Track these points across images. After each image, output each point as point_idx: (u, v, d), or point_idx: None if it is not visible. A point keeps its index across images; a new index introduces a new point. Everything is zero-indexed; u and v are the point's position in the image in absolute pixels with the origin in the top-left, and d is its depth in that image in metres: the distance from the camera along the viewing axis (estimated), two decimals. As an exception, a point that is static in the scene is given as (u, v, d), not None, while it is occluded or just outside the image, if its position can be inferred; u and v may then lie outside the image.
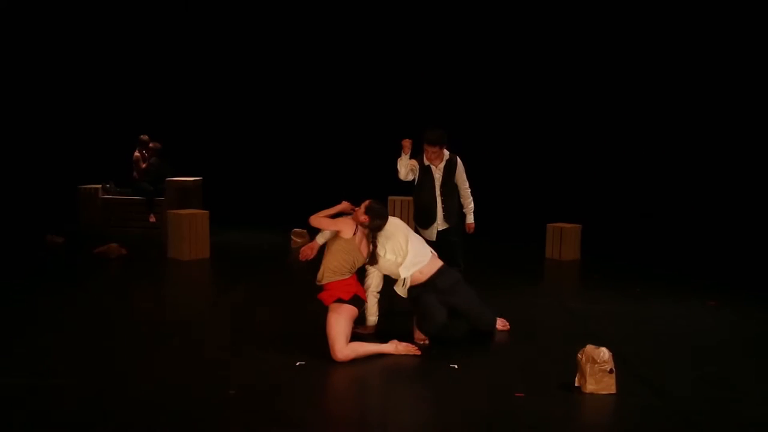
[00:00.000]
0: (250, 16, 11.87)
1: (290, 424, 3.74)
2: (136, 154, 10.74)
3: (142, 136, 10.74)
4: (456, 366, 4.53)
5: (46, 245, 8.88)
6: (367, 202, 4.98)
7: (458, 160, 5.86)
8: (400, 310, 5.49)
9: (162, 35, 11.94)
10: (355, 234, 4.88)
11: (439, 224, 5.88)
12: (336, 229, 4.89)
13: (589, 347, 4.13)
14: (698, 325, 5.73)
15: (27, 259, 8.14)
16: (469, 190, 5.95)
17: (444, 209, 5.83)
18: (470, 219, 6.04)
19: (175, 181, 10.36)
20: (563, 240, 8.68)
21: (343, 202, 5.13)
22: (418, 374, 4.47)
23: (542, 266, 8.45)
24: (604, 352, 4.07)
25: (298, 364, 4.50)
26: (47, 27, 11.61)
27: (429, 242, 5.74)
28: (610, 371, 4.05)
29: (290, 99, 12.13)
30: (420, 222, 5.91)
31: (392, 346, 4.75)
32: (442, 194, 5.83)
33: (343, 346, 4.52)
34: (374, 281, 5.13)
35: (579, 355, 4.13)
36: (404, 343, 4.78)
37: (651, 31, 10.48)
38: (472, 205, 6.00)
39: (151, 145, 10.62)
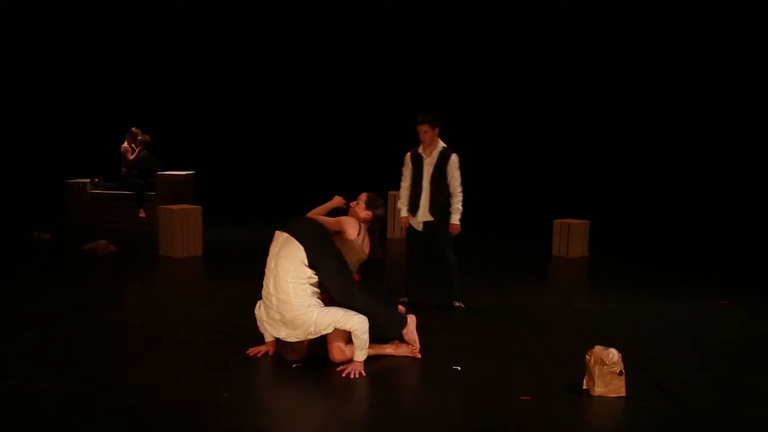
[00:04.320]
0: (243, 9, 11.83)
1: (288, 426, 3.74)
2: (124, 145, 10.73)
3: (132, 128, 10.73)
4: (459, 368, 4.52)
5: (32, 242, 8.87)
6: (365, 197, 4.99)
7: (453, 155, 5.88)
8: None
9: (152, 27, 11.90)
10: (359, 234, 4.88)
11: (422, 215, 5.93)
12: (339, 230, 4.88)
13: (598, 348, 4.12)
14: (710, 325, 5.73)
15: (12, 257, 8.13)
16: (460, 189, 5.89)
17: (429, 200, 5.88)
18: (454, 219, 5.90)
19: (167, 175, 10.35)
20: (570, 236, 8.67)
21: (336, 197, 5.13)
22: (420, 376, 4.47)
23: (549, 264, 8.46)
24: (613, 354, 4.06)
25: (294, 365, 4.50)
26: (34, 20, 11.58)
27: (416, 232, 6.00)
28: (620, 373, 4.04)
29: (286, 91, 12.10)
30: (410, 212, 6.05)
31: (393, 347, 4.75)
32: (430, 185, 5.88)
33: (342, 347, 4.51)
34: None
35: (587, 357, 4.12)
36: (405, 345, 4.78)
37: (658, 29, 10.51)
38: (459, 205, 5.89)
39: (140, 138, 10.62)
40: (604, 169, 11.10)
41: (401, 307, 5.00)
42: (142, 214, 10.35)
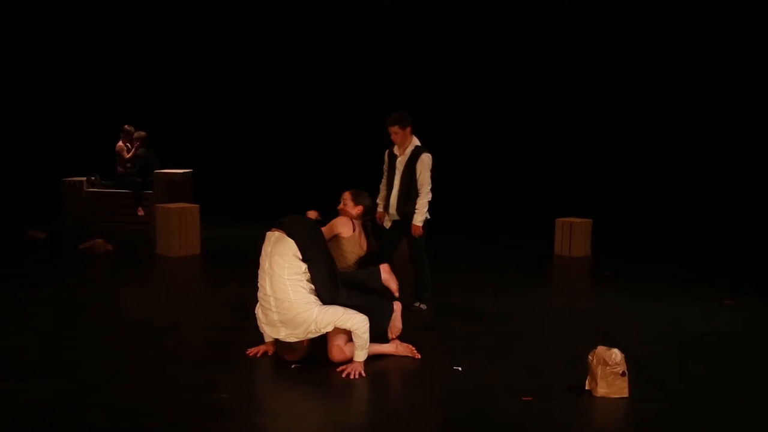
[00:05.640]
0: (240, 7, 11.83)
1: (287, 427, 3.74)
2: (120, 144, 10.73)
3: (126, 126, 10.73)
4: (460, 368, 4.52)
5: (28, 241, 8.87)
6: (348, 195, 5.11)
7: (425, 154, 5.90)
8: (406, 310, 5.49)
9: (148, 23, 11.89)
10: (354, 230, 5.01)
11: (391, 213, 5.99)
12: (336, 233, 4.98)
13: (600, 348, 4.12)
14: (715, 325, 5.73)
15: (7, 256, 8.12)
16: (427, 189, 5.83)
17: (398, 199, 5.91)
18: (416, 220, 5.80)
19: (164, 173, 10.34)
20: (573, 235, 8.67)
21: (309, 211, 5.20)
22: (420, 377, 4.46)
23: (551, 263, 8.45)
24: (616, 354, 4.06)
25: (293, 366, 4.50)
26: (30, 19, 11.57)
27: (386, 230, 6.03)
28: (623, 374, 4.04)
29: (284, 89, 12.09)
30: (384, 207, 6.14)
31: (393, 347, 4.76)
32: (400, 184, 5.93)
33: (343, 346, 4.51)
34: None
35: (589, 357, 4.12)
36: (405, 344, 4.78)
37: (659, 29, 10.53)
38: (423, 207, 5.83)
39: (135, 135, 10.61)
40: (606, 167, 11.11)
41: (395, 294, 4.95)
42: (141, 213, 10.35)
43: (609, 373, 4.03)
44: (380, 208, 6.13)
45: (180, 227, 8.29)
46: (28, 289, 6.50)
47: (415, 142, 5.98)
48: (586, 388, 4.12)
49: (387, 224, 6.08)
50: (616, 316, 5.93)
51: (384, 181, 6.16)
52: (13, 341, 4.92)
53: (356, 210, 5.08)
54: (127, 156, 10.64)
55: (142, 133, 10.57)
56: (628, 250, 9.17)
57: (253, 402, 4.05)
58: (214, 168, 11.79)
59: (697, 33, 10.32)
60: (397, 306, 4.89)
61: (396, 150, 6.02)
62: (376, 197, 5.96)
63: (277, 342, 4.63)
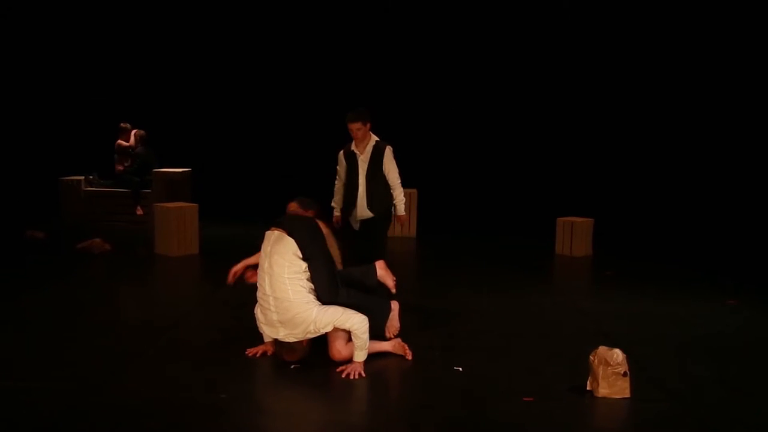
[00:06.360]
0: (239, 6, 11.84)
1: (286, 427, 3.75)
2: (119, 142, 10.75)
3: (121, 124, 10.74)
4: (460, 369, 4.54)
5: (26, 240, 8.88)
6: (294, 206, 5.09)
7: (387, 147, 5.93)
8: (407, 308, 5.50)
9: (146, 21, 11.89)
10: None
11: (360, 212, 5.94)
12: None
13: (602, 349, 4.13)
14: (717, 325, 5.75)
15: (6, 256, 8.14)
16: (398, 181, 5.94)
17: (367, 197, 5.90)
18: (400, 210, 6.00)
19: (163, 172, 10.35)
20: (574, 235, 8.69)
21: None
22: (420, 377, 4.48)
23: (552, 263, 8.47)
24: (618, 354, 4.07)
25: (293, 366, 4.52)
26: (28, 17, 11.58)
27: (353, 232, 6.00)
28: (624, 374, 4.06)
29: (283, 88, 12.10)
30: (345, 210, 6.06)
31: (390, 344, 4.78)
32: (366, 181, 5.91)
33: (343, 346, 4.53)
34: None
35: (591, 357, 4.14)
36: (402, 343, 4.79)
37: (659, 28, 10.56)
38: (401, 196, 5.99)
39: (134, 132, 10.61)
40: (608, 166, 11.12)
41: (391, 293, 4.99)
42: (139, 212, 10.36)
43: (611, 373, 4.04)
44: (337, 212, 6.12)
45: (179, 227, 8.30)
46: (26, 288, 6.52)
47: (374, 137, 5.97)
48: (588, 388, 4.13)
49: (356, 225, 6.01)
50: (616, 316, 5.94)
51: (340, 183, 6.10)
52: (13, 341, 4.94)
53: (309, 215, 5.07)
54: (128, 144, 10.64)
55: (142, 132, 10.58)
56: (630, 250, 9.18)
57: (253, 402, 4.06)
58: (213, 167, 11.80)
59: (697, 33, 10.34)
60: (395, 305, 4.93)
61: (355, 148, 5.97)
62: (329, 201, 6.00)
63: (276, 342, 4.65)
